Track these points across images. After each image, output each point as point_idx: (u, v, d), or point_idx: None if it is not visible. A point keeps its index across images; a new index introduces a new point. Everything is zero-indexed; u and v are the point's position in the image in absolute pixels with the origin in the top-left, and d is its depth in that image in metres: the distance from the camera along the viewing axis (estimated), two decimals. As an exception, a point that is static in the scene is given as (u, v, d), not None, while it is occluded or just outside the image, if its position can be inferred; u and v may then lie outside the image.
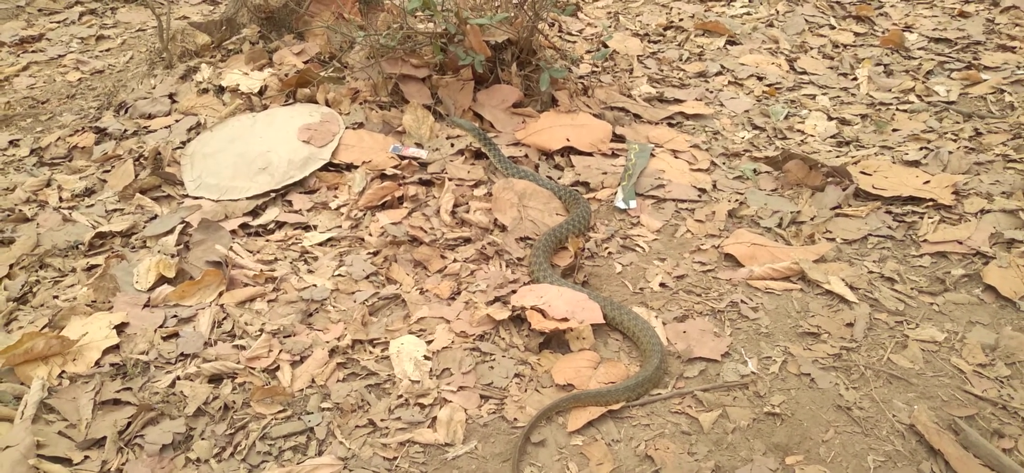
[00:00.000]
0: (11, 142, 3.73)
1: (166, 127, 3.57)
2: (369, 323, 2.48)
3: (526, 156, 3.37)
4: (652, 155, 3.38)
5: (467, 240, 2.86)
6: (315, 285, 2.62)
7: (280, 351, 2.34)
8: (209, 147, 3.35)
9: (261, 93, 3.73)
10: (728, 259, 2.79)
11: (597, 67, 4.30)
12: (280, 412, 2.14)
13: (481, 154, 3.33)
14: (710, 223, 2.98)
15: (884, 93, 4.12)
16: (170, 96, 3.81)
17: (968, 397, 2.18)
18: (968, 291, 2.59)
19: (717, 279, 2.68)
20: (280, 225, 2.97)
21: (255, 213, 3.02)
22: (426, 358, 2.31)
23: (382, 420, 2.12)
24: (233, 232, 2.89)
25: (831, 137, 3.68)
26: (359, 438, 2.07)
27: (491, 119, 3.56)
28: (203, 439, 2.06)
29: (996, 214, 2.92)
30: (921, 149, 3.46)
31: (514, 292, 2.52)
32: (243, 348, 2.36)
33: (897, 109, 3.93)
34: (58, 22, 5.60)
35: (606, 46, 4.50)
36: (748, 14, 5.26)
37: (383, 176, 3.19)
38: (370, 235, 2.88)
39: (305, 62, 3.93)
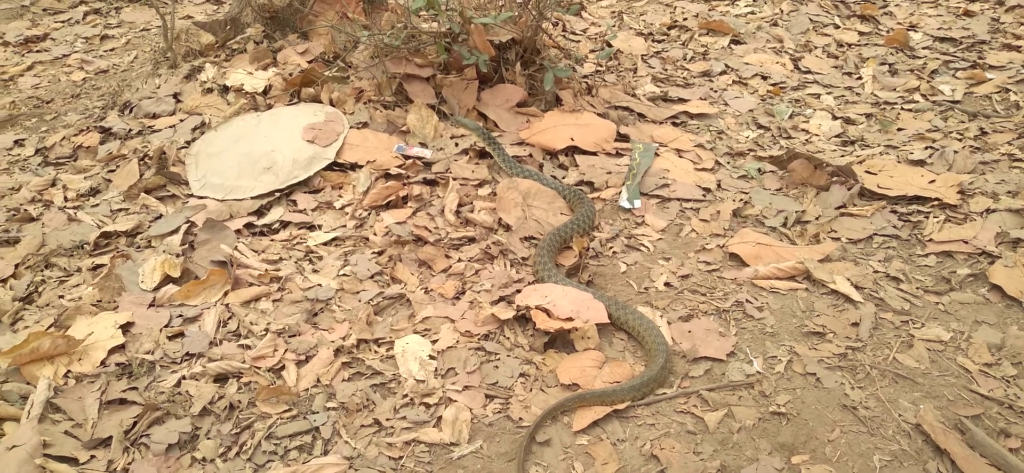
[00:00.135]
0: (16, 142, 3.74)
1: (171, 127, 3.58)
2: (374, 323, 2.48)
3: (530, 155, 3.37)
4: (656, 154, 3.38)
5: (471, 240, 2.86)
6: (320, 285, 2.63)
7: (285, 351, 2.34)
8: (213, 147, 3.36)
9: (265, 93, 3.73)
10: (733, 259, 2.78)
11: (601, 66, 4.30)
12: (285, 412, 2.15)
13: (485, 153, 3.33)
14: (715, 223, 2.97)
15: (889, 92, 4.11)
16: (174, 96, 3.81)
17: (974, 396, 2.17)
18: (974, 290, 2.58)
19: (722, 279, 2.68)
20: (285, 225, 2.98)
21: (260, 213, 3.03)
22: (431, 357, 2.31)
23: (387, 420, 2.12)
24: (238, 232, 2.89)
25: (836, 136, 3.67)
26: (364, 437, 2.07)
27: (495, 118, 3.56)
28: (209, 438, 2.06)
29: (1002, 213, 2.91)
30: (926, 148, 3.46)
31: (519, 292, 2.53)
32: (248, 348, 2.36)
33: (902, 108, 3.92)
34: (62, 22, 5.61)
35: (610, 45, 4.50)
36: (752, 13, 5.25)
37: (387, 176, 3.19)
38: (375, 235, 2.88)
39: (309, 62, 3.93)
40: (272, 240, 2.89)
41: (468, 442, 2.06)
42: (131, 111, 3.77)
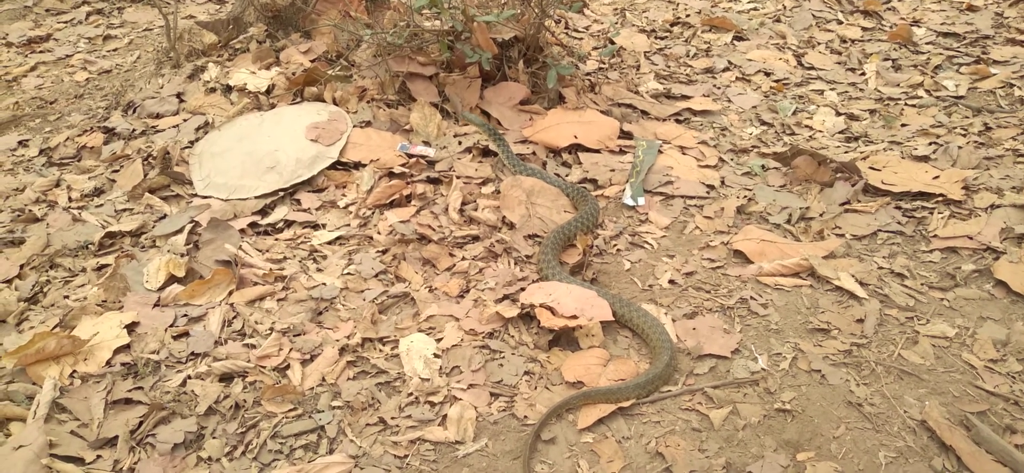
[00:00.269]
0: (20, 142, 3.75)
1: (174, 126, 3.58)
2: (379, 321, 2.48)
3: (533, 153, 3.37)
4: (660, 152, 3.38)
5: (475, 238, 2.86)
6: (324, 283, 2.63)
7: (290, 350, 2.35)
8: (217, 146, 3.36)
9: (268, 92, 3.73)
10: (737, 255, 2.78)
11: (604, 64, 4.30)
12: (291, 410, 2.15)
13: (489, 151, 3.33)
14: (719, 219, 2.97)
15: (892, 88, 4.10)
16: (178, 95, 3.82)
17: (979, 393, 2.17)
18: (979, 286, 2.58)
19: (726, 276, 2.67)
20: (289, 224, 2.98)
21: (264, 212, 3.03)
22: (436, 356, 2.31)
23: (392, 418, 2.12)
24: (242, 231, 2.89)
25: (839, 133, 3.67)
26: (370, 436, 2.07)
27: (498, 116, 3.56)
28: (214, 438, 2.07)
29: (1006, 209, 2.91)
30: (930, 144, 3.45)
31: (523, 290, 2.52)
32: (253, 347, 2.37)
33: (906, 104, 3.91)
34: (65, 22, 5.61)
35: (613, 43, 4.50)
36: (755, 9, 5.24)
37: (391, 174, 3.20)
38: (379, 233, 2.88)
39: (312, 61, 3.93)
40: (276, 239, 2.89)
41: (473, 440, 2.06)
42: (134, 111, 3.78)
